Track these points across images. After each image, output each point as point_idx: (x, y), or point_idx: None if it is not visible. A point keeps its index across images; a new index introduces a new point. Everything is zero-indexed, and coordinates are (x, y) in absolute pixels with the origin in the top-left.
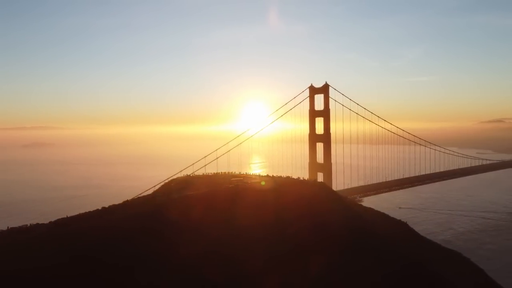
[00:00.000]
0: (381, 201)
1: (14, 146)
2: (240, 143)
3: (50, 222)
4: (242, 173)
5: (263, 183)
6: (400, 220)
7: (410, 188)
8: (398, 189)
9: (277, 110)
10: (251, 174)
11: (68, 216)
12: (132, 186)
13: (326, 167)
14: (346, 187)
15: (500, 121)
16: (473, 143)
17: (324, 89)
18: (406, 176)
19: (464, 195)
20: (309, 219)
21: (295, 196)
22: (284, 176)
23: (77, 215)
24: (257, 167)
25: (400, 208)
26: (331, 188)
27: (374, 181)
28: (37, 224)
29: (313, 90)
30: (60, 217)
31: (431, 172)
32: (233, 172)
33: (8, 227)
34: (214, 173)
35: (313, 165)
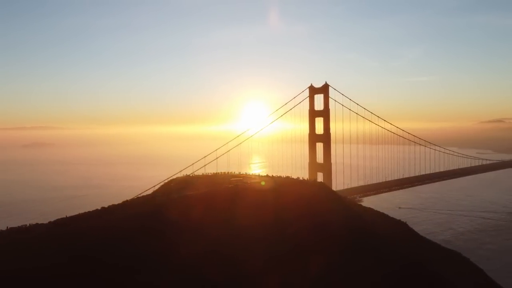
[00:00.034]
0: (381, 201)
1: (14, 146)
2: (240, 143)
3: (50, 222)
4: (241, 173)
5: (263, 183)
6: (399, 220)
7: (410, 188)
8: (398, 189)
9: (277, 110)
10: (250, 174)
11: (68, 216)
12: (132, 186)
13: (326, 167)
14: (346, 187)
15: (500, 121)
16: (473, 143)
17: (324, 89)
18: (406, 176)
19: (464, 195)
20: (309, 219)
21: (294, 196)
22: (284, 176)
23: (77, 215)
24: (257, 167)
25: (400, 208)
26: (331, 188)
27: (374, 181)
28: (37, 224)
29: (313, 90)
30: (60, 217)
31: (431, 172)
32: (233, 172)
33: (7, 227)
34: (213, 173)
35: (313, 165)
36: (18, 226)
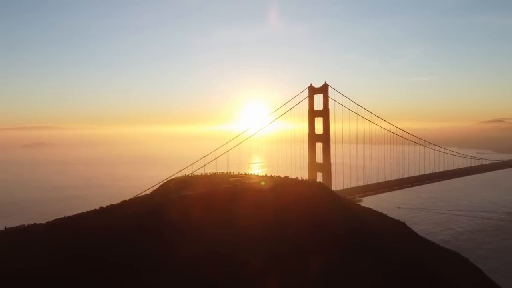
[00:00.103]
0: (380, 201)
1: (14, 146)
2: (240, 143)
3: (48, 222)
4: (240, 173)
5: (263, 183)
6: (398, 220)
7: (409, 188)
8: (398, 189)
9: (276, 110)
10: (249, 174)
11: (66, 216)
12: (132, 186)
13: (326, 167)
14: (345, 187)
15: (500, 121)
16: (473, 143)
17: (324, 89)
18: (406, 176)
19: (463, 195)
20: (309, 219)
21: (294, 196)
22: (283, 176)
23: (75, 215)
24: (256, 167)
25: (399, 208)
26: (330, 188)
27: (374, 181)
28: (35, 224)
29: (312, 90)
30: (59, 217)
31: (431, 172)
32: (232, 172)
33: (5, 227)
34: (212, 173)
35: (313, 165)
36: (17, 226)
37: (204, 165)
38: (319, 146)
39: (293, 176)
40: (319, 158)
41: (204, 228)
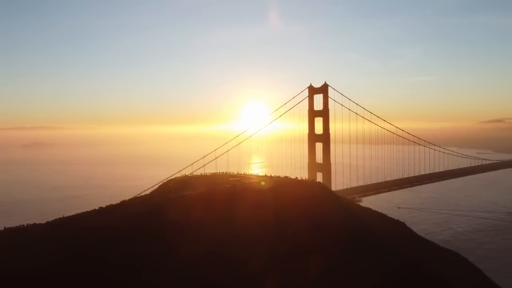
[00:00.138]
0: (380, 201)
1: (14, 146)
2: (239, 143)
3: (47, 222)
4: (240, 173)
5: (263, 183)
6: (398, 220)
7: (409, 188)
8: (398, 189)
9: (276, 110)
10: (249, 174)
11: (65, 216)
12: (132, 186)
13: (325, 167)
14: (345, 187)
15: (500, 121)
16: (473, 143)
17: (323, 89)
18: (406, 176)
19: (463, 195)
20: (309, 219)
21: (294, 196)
22: (282, 176)
23: (74, 215)
24: (256, 167)
25: (399, 208)
26: (330, 188)
27: (373, 181)
28: (34, 224)
29: (312, 90)
30: (59, 217)
31: (431, 172)
32: (232, 172)
33: (4, 227)
34: (212, 173)
35: (312, 165)
36: (16, 226)
37: (204, 165)
38: (319, 146)
39: (293, 176)
40: (319, 158)
41: (204, 228)
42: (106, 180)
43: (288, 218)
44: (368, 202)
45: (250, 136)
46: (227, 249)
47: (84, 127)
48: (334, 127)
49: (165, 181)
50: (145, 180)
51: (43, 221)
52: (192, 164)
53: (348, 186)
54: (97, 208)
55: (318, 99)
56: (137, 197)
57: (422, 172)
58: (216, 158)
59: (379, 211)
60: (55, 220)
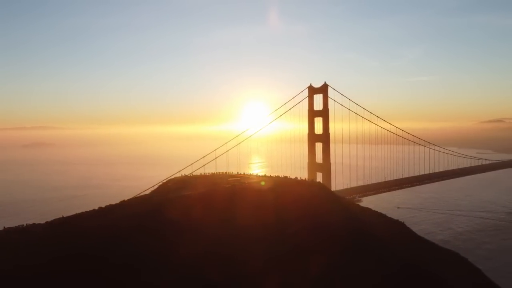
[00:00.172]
0: (380, 201)
1: (14, 146)
2: (239, 143)
3: (46, 222)
4: (240, 173)
5: (262, 183)
6: (397, 220)
7: (409, 188)
8: (397, 189)
9: (276, 110)
10: (249, 174)
11: (65, 216)
12: (132, 186)
13: (325, 167)
14: (345, 187)
15: (500, 121)
16: (473, 143)
17: (323, 89)
18: (406, 176)
19: (463, 195)
20: (308, 219)
21: (294, 197)
22: (282, 176)
23: (74, 214)
24: (256, 167)
25: (398, 208)
26: (329, 188)
27: (373, 181)
28: (34, 224)
29: (312, 90)
30: (59, 217)
31: (431, 172)
32: (231, 172)
33: (4, 227)
34: (211, 173)
35: (312, 165)
36: (15, 226)
37: (204, 165)
38: (318, 146)
39: (293, 176)
40: (319, 158)
41: (203, 228)
42: (106, 180)
43: (288, 218)
44: (368, 202)
45: (250, 136)
46: (227, 249)
47: (84, 127)
48: (334, 127)
49: (164, 181)
50: (145, 180)
51: (43, 221)
52: (192, 164)
53: (348, 186)
54: (96, 208)
55: (318, 99)
56: (137, 197)
57: (422, 172)
58: (216, 158)
59: (379, 211)
60: (55, 220)
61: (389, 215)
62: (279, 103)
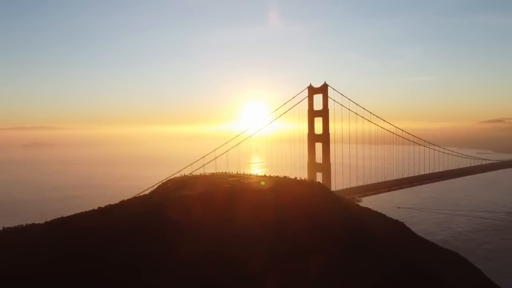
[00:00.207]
0: (380, 201)
1: (14, 146)
2: (239, 143)
3: (46, 222)
4: (240, 173)
5: (262, 183)
6: (397, 220)
7: (409, 188)
8: (397, 189)
9: (276, 110)
10: (248, 174)
11: (64, 216)
12: (132, 186)
13: (325, 167)
14: (345, 187)
15: (500, 121)
16: (473, 143)
17: (323, 89)
18: (405, 176)
19: (463, 195)
20: (308, 219)
21: (293, 197)
22: (281, 176)
23: (73, 214)
24: (256, 167)
25: (398, 208)
26: (329, 188)
27: (373, 181)
28: (33, 224)
29: (312, 90)
30: (58, 217)
31: (431, 172)
32: (231, 172)
33: (3, 227)
34: (211, 173)
35: (312, 165)
36: (15, 226)
37: (204, 165)
38: (318, 146)
39: (292, 176)
40: (319, 158)
41: (203, 228)
42: (106, 180)
43: (288, 218)
44: (367, 202)
45: (250, 136)
46: (227, 249)
47: (84, 127)
48: (334, 127)
49: (164, 181)
50: (145, 180)
51: (43, 221)
52: (191, 164)
53: (348, 186)
54: (96, 208)
55: (318, 99)
56: (136, 197)
57: (422, 172)
58: (215, 158)
59: (379, 211)
60: (54, 220)
61: (389, 215)
62: (279, 103)
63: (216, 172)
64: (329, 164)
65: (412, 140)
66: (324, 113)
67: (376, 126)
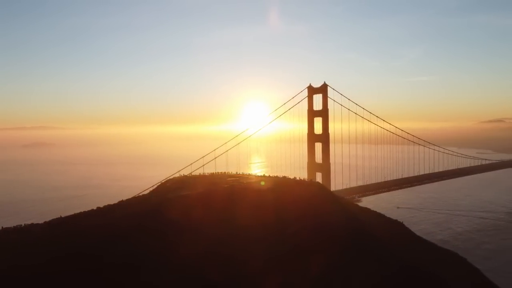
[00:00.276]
0: (379, 201)
1: (14, 146)
2: (239, 143)
3: (45, 222)
4: (239, 173)
5: (262, 183)
6: (396, 220)
7: (409, 188)
8: (397, 189)
9: (275, 110)
10: (248, 174)
11: (63, 216)
12: (132, 186)
13: (325, 167)
14: (344, 187)
15: (500, 121)
16: (473, 143)
17: (323, 89)
18: (405, 176)
19: (463, 195)
20: (308, 219)
21: (293, 197)
22: (281, 176)
23: (73, 214)
24: (256, 167)
25: (398, 208)
26: (328, 188)
27: (373, 181)
28: (32, 224)
29: (311, 90)
30: (57, 217)
31: (430, 172)
32: (231, 172)
33: (2, 227)
34: (211, 173)
35: (312, 165)
36: (14, 226)
37: (203, 165)
38: (318, 146)
39: (292, 176)
40: (318, 158)
41: (203, 228)
42: (106, 180)
43: (288, 218)
44: (367, 202)
45: (250, 136)
46: (227, 249)
47: (84, 127)
48: (334, 127)
49: (163, 181)
50: (145, 180)
51: (42, 221)
52: (191, 164)
53: (348, 186)
54: (95, 208)
55: (318, 99)
56: (135, 197)
57: (422, 172)
58: (215, 158)
59: (378, 211)
60: (53, 220)
61: (388, 215)
62: (279, 103)
63: (216, 172)
64: (329, 164)
65: (412, 140)
66: (323, 113)
67: (376, 126)
